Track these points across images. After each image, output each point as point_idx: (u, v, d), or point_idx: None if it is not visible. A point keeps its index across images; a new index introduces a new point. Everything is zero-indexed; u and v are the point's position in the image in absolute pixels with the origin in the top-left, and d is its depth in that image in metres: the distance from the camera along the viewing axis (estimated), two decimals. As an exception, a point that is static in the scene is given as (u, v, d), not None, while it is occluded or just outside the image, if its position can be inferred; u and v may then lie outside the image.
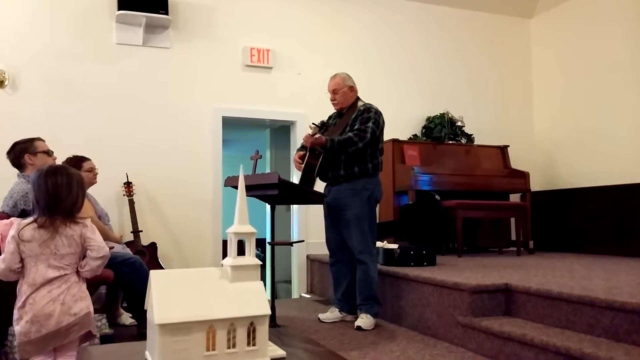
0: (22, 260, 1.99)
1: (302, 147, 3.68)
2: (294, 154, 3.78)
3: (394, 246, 3.96)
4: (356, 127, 3.41)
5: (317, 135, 3.40)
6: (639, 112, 5.09)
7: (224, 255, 1.12)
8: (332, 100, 3.63)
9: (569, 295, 2.55)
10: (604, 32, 5.46)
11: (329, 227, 3.68)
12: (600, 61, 5.50)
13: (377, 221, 3.68)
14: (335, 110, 3.74)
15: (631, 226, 5.01)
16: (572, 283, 2.89)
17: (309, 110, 5.22)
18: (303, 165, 3.45)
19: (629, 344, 2.25)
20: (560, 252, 5.50)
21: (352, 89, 3.61)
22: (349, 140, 3.35)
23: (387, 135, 3.66)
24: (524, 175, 5.37)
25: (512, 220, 5.52)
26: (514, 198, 5.65)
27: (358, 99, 3.64)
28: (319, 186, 3.55)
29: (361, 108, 3.52)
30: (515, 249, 5.13)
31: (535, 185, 5.74)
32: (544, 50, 6.24)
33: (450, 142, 5.59)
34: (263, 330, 1.00)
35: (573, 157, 5.77)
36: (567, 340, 2.34)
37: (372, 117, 3.43)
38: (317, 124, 3.44)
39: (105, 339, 2.80)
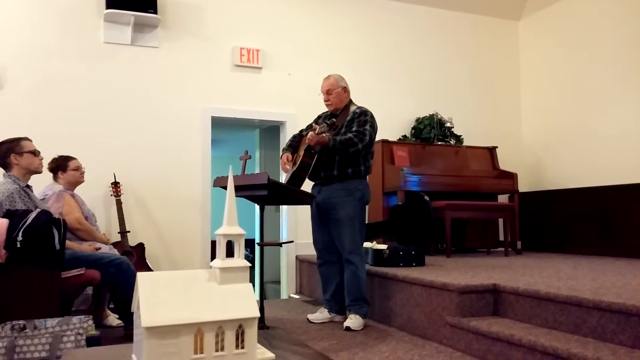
0: None
1: (287, 148, 3.70)
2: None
3: (383, 247, 3.96)
4: (354, 128, 3.43)
5: (323, 135, 3.35)
6: (626, 115, 5.14)
7: (213, 256, 1.11)
8: (325, 101, 3.63)
9: (556, 295, 2.57)
10: (591, 34, 5.51)
11: (317, 228, 3.67)
12: (587, 63, 5.55)
13: (366, 222, 3.68)
14: (324, 111, 3.75)
15: (616, 226, 5.06)
16: (560, 283, 2.91)
17: (298, 110, 5.21)
18: (298, 164, 3.44)
19: (615, 344, 2.27)
20: (548, 253, 5.55)
21: (346, 89, 3.63)
22: (350, 141, 3.37)
23: (377, 136, 3.66)
24: (512, 176, 5.41)
25: (500, 220, 5.56)
26: (502, 199, 5.68)
27: (351, 101, 3.66)
28: (306, 186, 3.54)
29: (357, 111, 3.54)
30: (503, 249, 5.17)
31: (523, 186, 5.78)
32: (531, 52, 6.28)
33: (439, 143, 5.61)
34: (252, 333, 1.00)
35: (560, 158, 5.82)
36: (555, 340, 2.35)
37: (368, 120, 3.47)
38: (328, 122, 3.38)
39: (91, 341, 2.77)
